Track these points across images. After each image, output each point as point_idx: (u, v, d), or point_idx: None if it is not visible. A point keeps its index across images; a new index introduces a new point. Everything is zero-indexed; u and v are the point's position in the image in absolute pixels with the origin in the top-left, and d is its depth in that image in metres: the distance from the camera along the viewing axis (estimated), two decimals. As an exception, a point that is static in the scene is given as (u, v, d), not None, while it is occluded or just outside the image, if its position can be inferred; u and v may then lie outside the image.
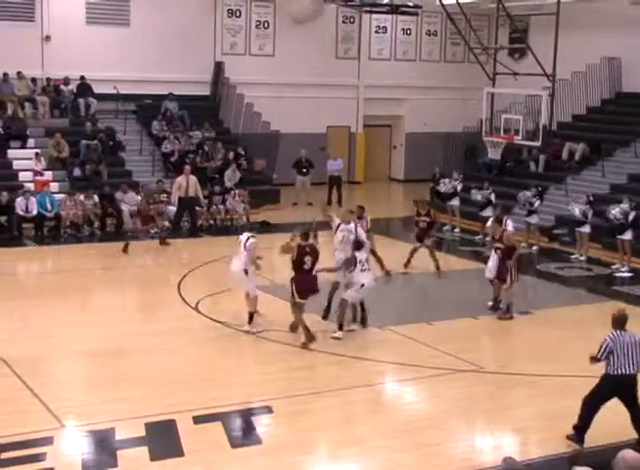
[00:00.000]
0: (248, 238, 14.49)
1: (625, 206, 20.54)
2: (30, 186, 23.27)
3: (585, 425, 10.36)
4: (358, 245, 14.69)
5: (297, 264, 13.82)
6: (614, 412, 10.58)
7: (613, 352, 10.17)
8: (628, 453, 5.40)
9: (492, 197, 23.82)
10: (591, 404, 10.38)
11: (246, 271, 14.36)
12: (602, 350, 10.21)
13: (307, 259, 13.73)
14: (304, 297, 13.87)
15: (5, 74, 25.75)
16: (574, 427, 10.40)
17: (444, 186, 25.21)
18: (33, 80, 26.59)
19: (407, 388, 12.83)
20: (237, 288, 15.13)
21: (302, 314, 13.99)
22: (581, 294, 18.69)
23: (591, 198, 21.69)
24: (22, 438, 10.13)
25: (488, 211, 23.02)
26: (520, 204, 23.10)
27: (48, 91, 26.69)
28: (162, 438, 10.45)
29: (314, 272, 13.92)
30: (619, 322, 10.33)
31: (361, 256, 14.50)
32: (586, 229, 21.17)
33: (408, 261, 19.34)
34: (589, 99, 29.22)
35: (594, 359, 10.29)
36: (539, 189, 23.21)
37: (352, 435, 10.67)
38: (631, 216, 20.21)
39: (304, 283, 13.81)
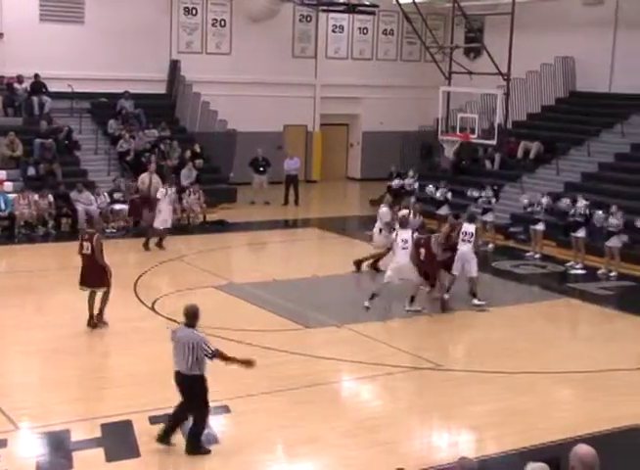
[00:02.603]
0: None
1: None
2: (-17, 185, 22.99)
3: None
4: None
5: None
6: (564, 408, 10.68)
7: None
8: (581, 448, 5.45)
9: (449, 195, 24.03)
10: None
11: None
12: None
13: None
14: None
15: (-43, 73, 25.43)
16: None
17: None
18: (-14, 78, 26.27)
19: (364, 386, 12.87)
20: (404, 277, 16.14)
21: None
22: (536, 291, 18.93)
23: (545, 196, 21.90)
24: (-24, 440, 10.03)
25: (445, 210, 23.22)
26: (477, 202, 23.29)
27: (1, 89, 26.35)
28: (118, 438, 10.39)
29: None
30: (188, 316, 10.11)
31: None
32: (540, 227, 21.38)
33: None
34: (544, 98, 29.48)
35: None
36: (495, 188, 23.40)
37: (309, 434, 10.66)
38: (581, 210, 20.46)
39: None
